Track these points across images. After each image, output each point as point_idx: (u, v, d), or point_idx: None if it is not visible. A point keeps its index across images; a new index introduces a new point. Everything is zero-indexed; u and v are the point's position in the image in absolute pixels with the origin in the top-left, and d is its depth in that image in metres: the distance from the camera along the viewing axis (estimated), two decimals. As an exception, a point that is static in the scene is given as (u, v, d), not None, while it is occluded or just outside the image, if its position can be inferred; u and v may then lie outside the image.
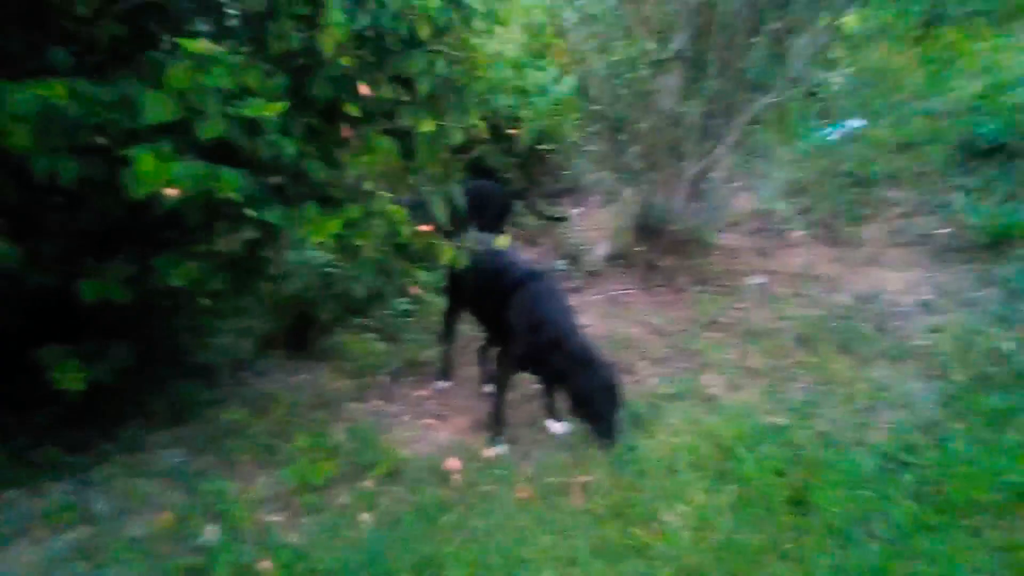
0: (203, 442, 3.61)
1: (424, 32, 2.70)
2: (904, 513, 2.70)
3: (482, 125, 3.05)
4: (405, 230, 2.87)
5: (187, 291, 3.05)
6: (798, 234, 5.28)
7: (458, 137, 3.02)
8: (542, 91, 7.16)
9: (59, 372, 2.92)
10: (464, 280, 3.73)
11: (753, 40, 4.41)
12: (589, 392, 3.20)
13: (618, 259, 5.46)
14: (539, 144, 7.27)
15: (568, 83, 6.43)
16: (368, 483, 3.21)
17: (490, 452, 3.37)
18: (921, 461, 2.95)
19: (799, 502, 2.85)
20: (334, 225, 2.56)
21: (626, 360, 4.09)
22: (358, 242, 2.78)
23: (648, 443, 3.28)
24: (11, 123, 2.10)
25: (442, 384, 4.09)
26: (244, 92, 2.38)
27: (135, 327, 3.75)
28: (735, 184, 5.36)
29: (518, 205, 6.35)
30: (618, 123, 4.99)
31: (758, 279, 4.77)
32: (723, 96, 4.59)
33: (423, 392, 4.09)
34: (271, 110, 2.29)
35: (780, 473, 2.98)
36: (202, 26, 2.77)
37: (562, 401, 3.48)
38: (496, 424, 3.50)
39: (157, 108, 2.23)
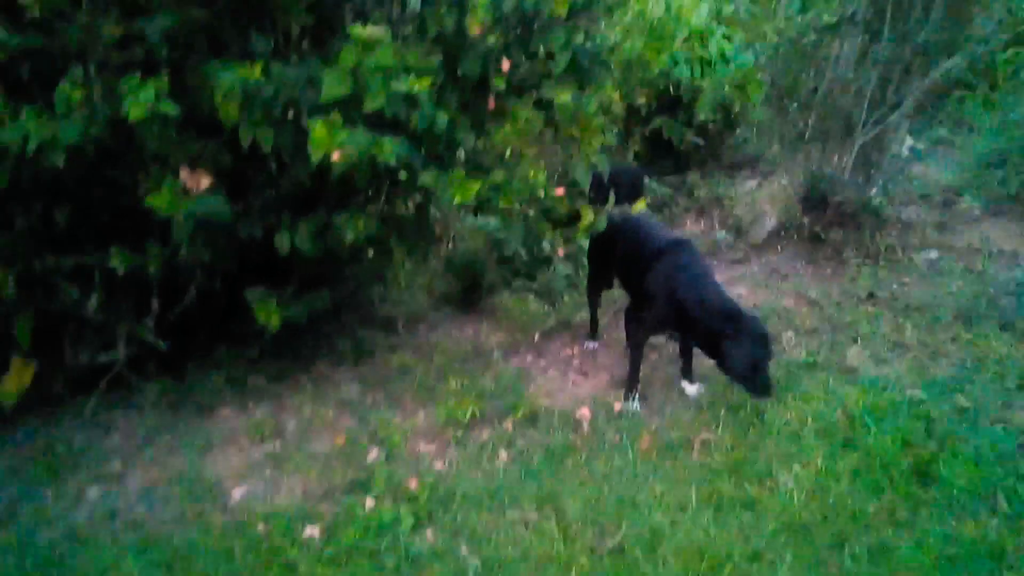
0: (377, 380, 4.14)
1: (561, 10, 2.93)
2: (1034, 493, 2.61)
3: (616, 96, 3.20)
4: (540, 193, 3.14)
5: (368, 248, 3.54)
6: (982, 208, 4.91)
7: (592, 108, 3.21)
8: (724, 61, 7.10)
9: (260, 310, 3.51)
10: (606, 247, 3.94)
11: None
12: (739, 346, 3.22)
13: (785, 231, 5.39)
14: (718, 115, 7.24)
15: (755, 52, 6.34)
16: (508, 425, 3.55)
17: (624, 407, 3.58)
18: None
19: (923, 473, 2.82)
20: (475, 188, 2.89)
21: (774, 330, 4.09)
22: (503, 204, 3.09)
23: (777, 408, 3.35)
24: (222, 99, 2.62)
25: (590, 344, 4.34)
26: (405, 70, 2.75)
27: (328, 278, 4.37)
28: (915, 153, 5.07)
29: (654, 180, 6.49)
30: (788, 90, 4.90)
31: (931, 254, 4.54)
32: (899, 61, 4.38)
33: (571, 350, 4.37)
34: (422, 85, 2.64)
35: (907, 444, 2.95)
36: (376, 13, 3.19)
37: (696, 362, 3.64)
38: (632, 382, 3.70)
39: (333, 85, 2.67)
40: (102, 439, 3.75)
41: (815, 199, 4.95)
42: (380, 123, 2.91)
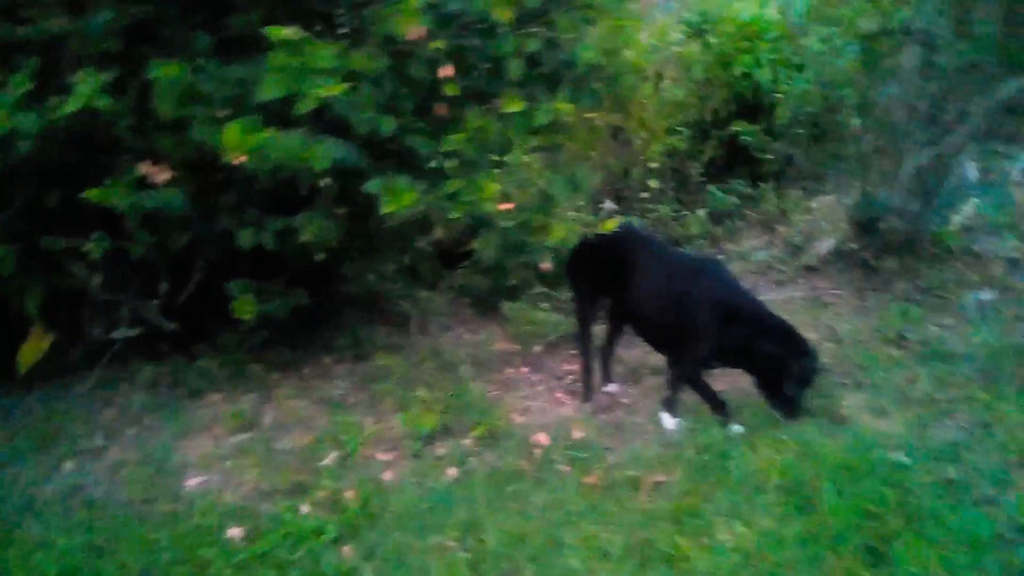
0: (366, 380, 4.13)
1: (505, 16, 2.77)
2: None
3: (569, 109, 2.99)
4: (488, 206, 2.99)
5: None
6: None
7: (544, 119, 3.02)
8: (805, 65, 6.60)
9: (237, 303, 3.56)
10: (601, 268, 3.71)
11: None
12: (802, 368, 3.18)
13: (840, 256, 4.96)
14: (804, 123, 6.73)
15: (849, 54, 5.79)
16: (467, 441, 3.45)
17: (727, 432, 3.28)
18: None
19: (875, 552, 2.50)
20: (409, 197, 2.79)
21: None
22: (454, 214, 2.97)
23: (747, 456, 3.07)
24: (158, 96, 2.65)
25: (611, 387, 3.99)
26: (346, 73, 2.69)
27: (327, 276, 4.39)
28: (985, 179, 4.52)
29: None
30: (840, 105, 4.49)
31: (985, 294, 4.04)
32: (962, 76, 3.89)
33: (571, 366, 4.19)
34: (338, 88, 2.57)
35: (869, 516, 2.62)
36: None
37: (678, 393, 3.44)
38: (717, 409, 3.40)
39: (269, 86, 2.64)
40: (96, 413, 3.94)
41: (865, 224, 4.51)
42: (334, 127, 2.87)
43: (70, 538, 2.93)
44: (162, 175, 2.95)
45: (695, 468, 3.06)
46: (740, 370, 3.40)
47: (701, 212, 5.91)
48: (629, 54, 6.40)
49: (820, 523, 2.65)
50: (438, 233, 4.17)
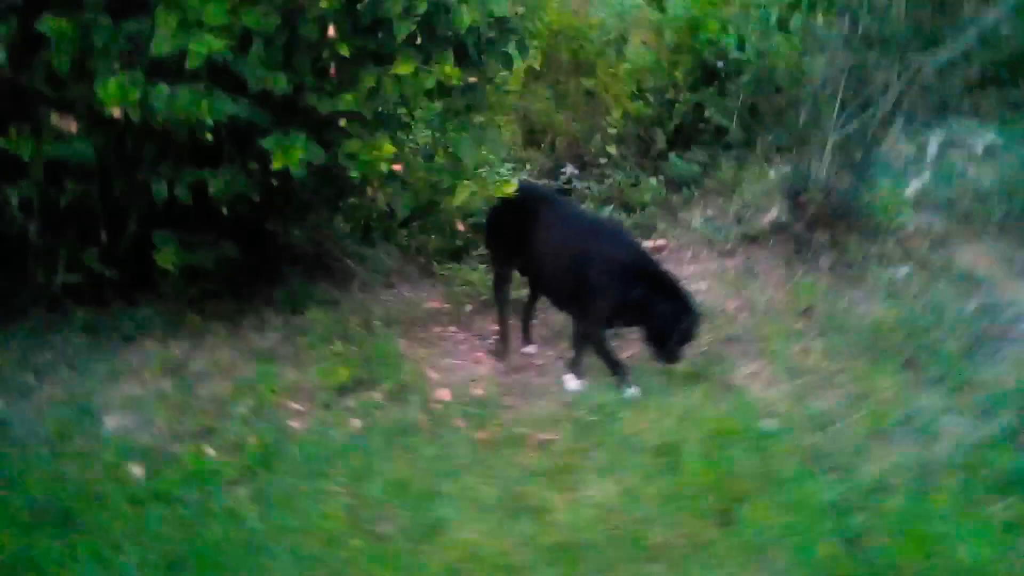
0: (296, 333, 4.25)
1: None
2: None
3: (456, 73, 3.03)
4: (383, 166, 3.08)
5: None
6: (987, 224, 4.34)
7: (429, 82, 3.08)
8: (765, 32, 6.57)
9: (159, 254, 3.67)
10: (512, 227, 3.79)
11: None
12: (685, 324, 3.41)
13: (778, 229, 5.01)
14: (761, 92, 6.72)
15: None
16: (376, 395, 3.59)
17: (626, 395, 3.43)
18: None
19: (726, 513, 2.63)
20: (296, 154, 2.90)
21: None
22: (353, 174, 3.07)
23: (634, 418, 3.19)
24: (55, 48, 2.73)
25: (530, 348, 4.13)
26: (245, 31, 2.76)
27: (262, 230, 4.49)
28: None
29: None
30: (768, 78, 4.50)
31: (901, 271, 4.10)
32: (882, 49, 3.89)
33: (496, 326, 4.30)
34: (218, 46, 2.65)
35: (728, 477, 2.75)
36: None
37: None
38: (618, 371, 3.54)
39: (161, 41, 2.72)
40: (33, 355, 4.08)
41: (794, 197, 4.56)
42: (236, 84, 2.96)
43: (-25, 475, 3.08)
44: (71, 125, 3.04)
45: (582, 428, 3.19)
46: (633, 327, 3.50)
47: (654, 180, 5.95)
48: (587, 15, 6.43)
49: (682, 483, 2.78)
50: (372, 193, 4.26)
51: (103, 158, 3.29)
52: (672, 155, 6.34)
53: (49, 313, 4.31)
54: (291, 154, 2.90)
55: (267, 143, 2.97)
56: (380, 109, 3.07)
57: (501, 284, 3.92)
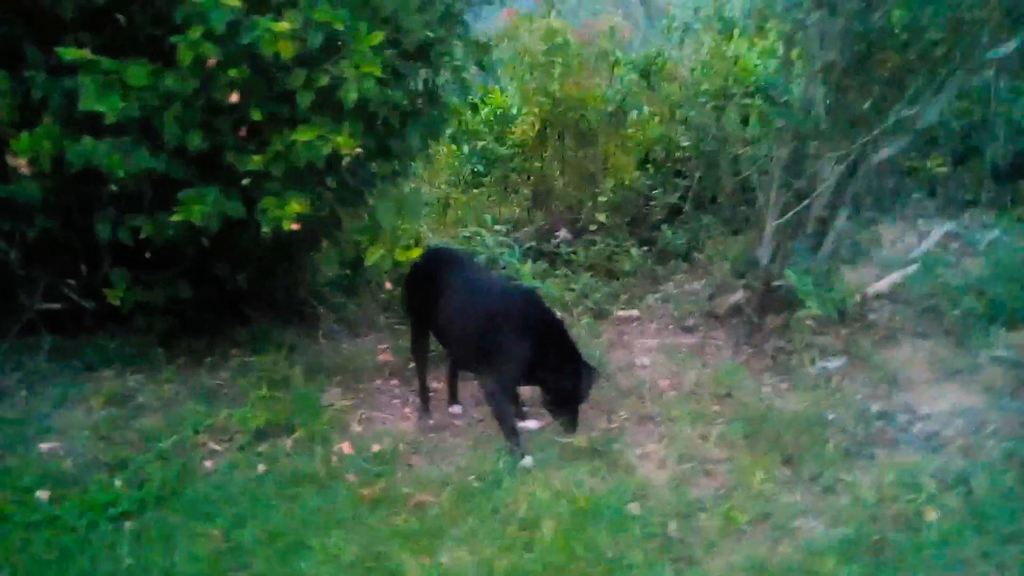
0: (241, 374, 4.45)
1: (286, 52, 3.02)
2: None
3: (349, 142, 3.18)
4: (286, 224, 3.26)
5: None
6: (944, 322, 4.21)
7: (325, 150, 3.24)
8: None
9: (110, 291, 3.94)
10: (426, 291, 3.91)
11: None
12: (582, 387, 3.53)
13: (738, 310, 4.99)
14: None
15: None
16: (288, 442, 3.73)
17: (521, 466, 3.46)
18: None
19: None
20: (198, 210, 3.12)
21: (621, 407, 3.93)
22: (264, 229, 3.27)
23: (512, 488, 3.23)
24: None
25: (455, 408, 4.20)
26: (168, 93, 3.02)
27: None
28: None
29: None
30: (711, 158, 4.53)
31: (835, 362, 4.02)
32: (825, 136, 3.88)
33: (440, 384, 4.38)
34: (111, 106, 2.90)
35: (574, 559, 2.75)
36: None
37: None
38: (512, 439, 3.58)
39: (89, 99, 2.99)
40: (3, 375, 4.39)
41: (747, 281, 4.54)
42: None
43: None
44: (25, 168, 3.33)
45: (463, 493, 3.25)
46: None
47: (635, 250, 5.98)
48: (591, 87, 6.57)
49: (533, 560, 2.80)
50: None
51: (54, 199, 3.58)
52: (665, 226, 6.37)
53: (26, 336, 4.65)
54: (192, 209, 3.12)
55: (182, 196, 3.20)
56: (290, 169, 3.26)
57: (418, 343, 4.02)
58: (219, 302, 4.80)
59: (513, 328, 3.61)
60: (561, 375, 3.53)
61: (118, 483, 3.42)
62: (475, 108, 7.15)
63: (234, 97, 3.08)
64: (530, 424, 3.83)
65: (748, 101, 4.61)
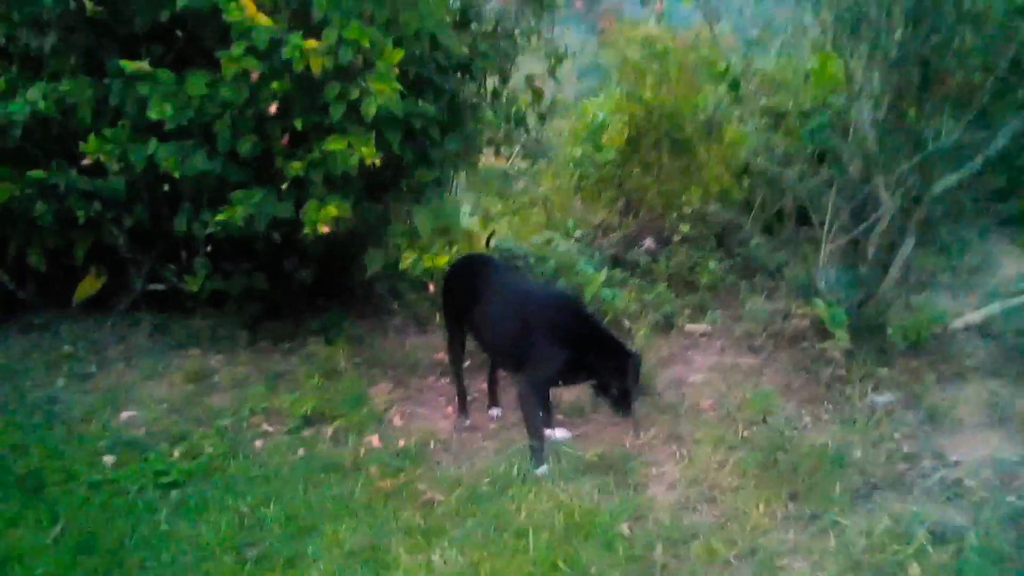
0: (311, 360, 4.77)
1: (317, 68, 3.19)
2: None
3: (371, 153, 3.31)
4: (319, 227, 3.47)
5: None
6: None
7: (352, 160, 3.38)
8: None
9: (188, 278, 4.35)
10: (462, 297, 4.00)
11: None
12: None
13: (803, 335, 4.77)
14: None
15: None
16: (328, 429, 3.97)
17: (539, 472, 3.52)
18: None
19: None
20: (240, 211, 3.40)
21: (648, 423, 3.90)
22: (306, 231, 3.51)
23: (518, 495, 3.30)
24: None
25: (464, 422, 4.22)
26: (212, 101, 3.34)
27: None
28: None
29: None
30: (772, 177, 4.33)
31: (884, 398, 3.78)
32: (888, 158, 3.64)
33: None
34: (165, 112, 3.20)
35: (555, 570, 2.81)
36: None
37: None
38: (538, 446, 3.61)
39: (154, 107, 3.34)
40: (105, 347, 4.94)
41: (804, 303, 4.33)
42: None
43: (6, 436, 3.86)
44: (115, 165, 3.75)
45: (471, 496, 3.35)
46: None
47: (713, 263, 5.82)
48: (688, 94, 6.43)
49: (516, 568, 2.87)
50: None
51: (140, 194, 4.01)
52: (756, 240, 6.15)
53: (134, 312, 5.20)
54: (235, 210, 3.42)
55: (232, 196, 3.50)
56: (330, 174, 3.48)
57: (454, 347, 4.15)
58: (297, 293, 5.15)
59: (546, 332, 3.65)
60: (605, 370, 3.57)
61: (176, 454, 3.79)
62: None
63: (273, 108, 3.33)
64: (558, 433, 3.87)
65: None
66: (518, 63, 4.67)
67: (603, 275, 5.67)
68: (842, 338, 3.77)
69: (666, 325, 5.30)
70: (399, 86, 3.25)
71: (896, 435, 3.41)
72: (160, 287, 5.21)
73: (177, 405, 4.29)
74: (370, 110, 3.25)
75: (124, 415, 4.20)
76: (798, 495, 3.03)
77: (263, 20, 3.08)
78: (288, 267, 4.58)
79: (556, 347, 3.61)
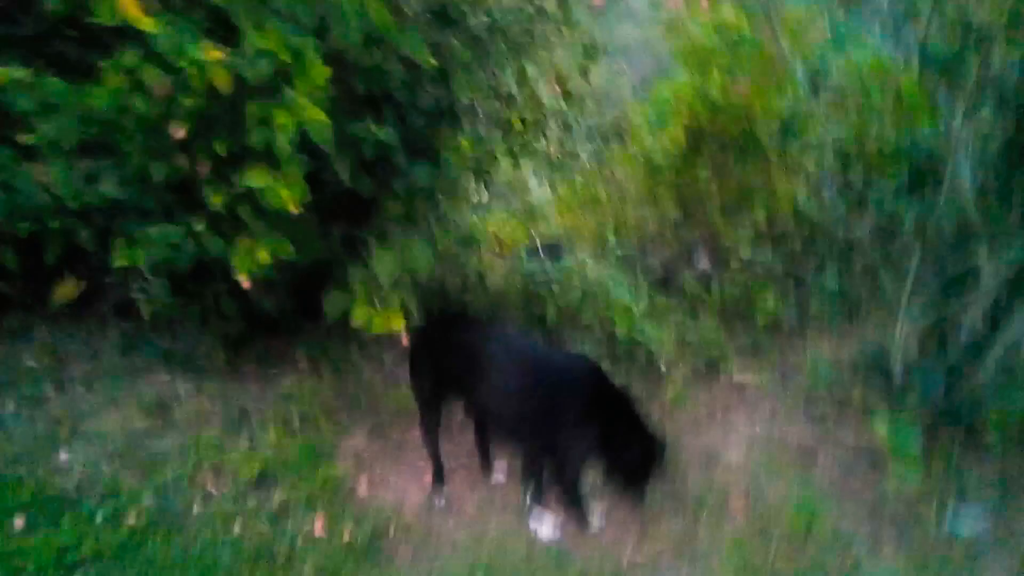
0: (279, 398, 4.17)
1: (224, 85, 2.50)
2: None
3: (286, 193, 2.60)
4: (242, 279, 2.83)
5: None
6: None
7: (277, 199, 2.69)
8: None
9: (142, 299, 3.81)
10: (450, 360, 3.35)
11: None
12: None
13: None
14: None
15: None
16: (277, 498, 3.36)
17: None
18: None
19: None
20: (140, 253, 2.81)
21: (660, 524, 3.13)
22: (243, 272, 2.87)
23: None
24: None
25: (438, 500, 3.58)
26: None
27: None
28: None
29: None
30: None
31: (971, 525, 2.89)
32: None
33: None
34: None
35: None
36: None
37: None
38: (578, 514, 3.25)
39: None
40: (73, 362, 4.47)
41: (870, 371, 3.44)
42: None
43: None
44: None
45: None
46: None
47: (771, 298, 4.91)
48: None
49: None
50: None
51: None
52: (829, 268, 5.18)
53: (116, 319, 4.72)
54: (135, 252, 2.87)
55: (138, 235, 2.94)
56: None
57: (430, 422, 3.45)
58: (274, 317, 4.54)
59: (578, 409, 3.10)
60: (626, 451, 3.11)
61: (98, 519, 3.27)
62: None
63: (181, 132, 2.66)
64: (544, 529, 3.16)
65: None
66: (540, 58, 3.87)
67: (642, 305, 4.86)
68: (911, 472, 2.90)
69: (709, 371, 4.48)
70: (321, 116, 2.52)
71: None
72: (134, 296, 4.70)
73: (122, 447, 3.76)
74: (282, 140, 2.55)
75: (62, 456, 3.70)
76: None
77: (148, 24, 2.40)
78: (253, 296, 3.96)
79: (586, 422, 3.09)
